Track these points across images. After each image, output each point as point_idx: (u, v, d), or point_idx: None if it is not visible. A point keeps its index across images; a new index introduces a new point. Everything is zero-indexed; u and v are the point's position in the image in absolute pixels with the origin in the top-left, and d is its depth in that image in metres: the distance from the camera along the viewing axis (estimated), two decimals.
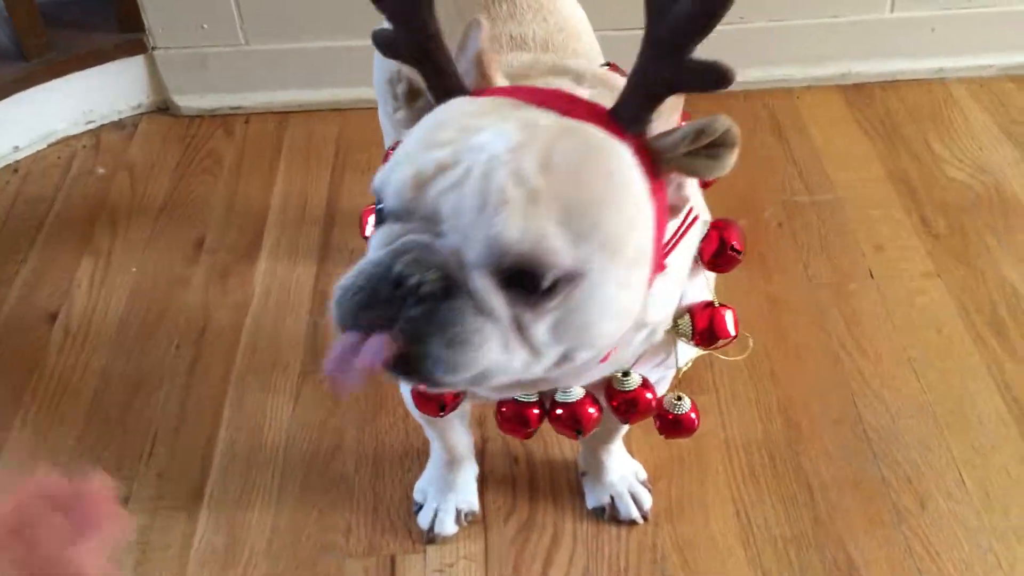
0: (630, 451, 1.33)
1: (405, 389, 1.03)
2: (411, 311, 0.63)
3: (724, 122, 0.65)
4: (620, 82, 0.77)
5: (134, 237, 1.73)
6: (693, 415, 0.95)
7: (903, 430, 1.36)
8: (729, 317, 0.89)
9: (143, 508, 1.30)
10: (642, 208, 0.68)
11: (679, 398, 0.95)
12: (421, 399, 0.95)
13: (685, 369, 0.95)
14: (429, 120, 0.71)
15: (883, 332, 1.50)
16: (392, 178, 0.67)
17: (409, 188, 0.65)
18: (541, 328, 0.65)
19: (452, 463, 1.23)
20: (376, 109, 1.40)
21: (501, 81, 0.76)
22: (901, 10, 1.96)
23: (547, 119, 0.68)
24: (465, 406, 1.01)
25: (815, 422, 1.38)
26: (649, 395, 0.90)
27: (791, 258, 1.64)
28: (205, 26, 1.90)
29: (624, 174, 0.67)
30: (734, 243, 0.86)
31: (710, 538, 1.26)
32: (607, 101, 0.71)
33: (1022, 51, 2.01)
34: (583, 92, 0.75)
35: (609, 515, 1.27)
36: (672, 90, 0.66)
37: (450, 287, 0.63)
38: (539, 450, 1.36)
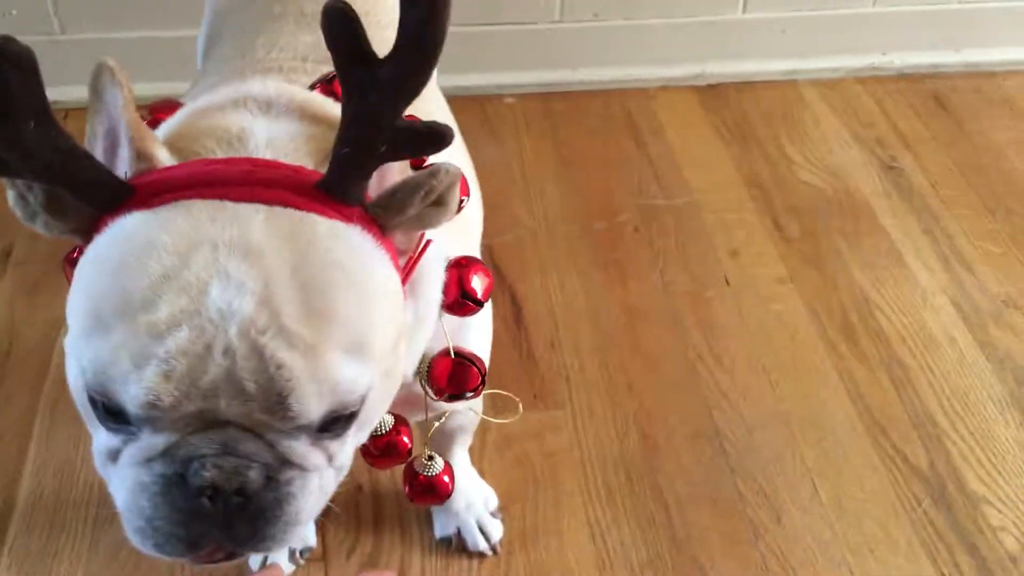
0: (481, 473, 1.25)
1: None
2: (237, 519, 0.58)
3: (448, 174, 0.59)
4: (325, 109, 0.70)
5: None
6: (446, 478, 0.86)
7: (759, 442, 1.34)
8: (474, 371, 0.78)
9: None
10: (393, 289, 0.63)
11: (430, 458, 0.85)
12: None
13: (438, 425, 0.88)
14: (118, 270, 0.56)
15: (739, 340, 1.48)
16: (130, 386, 0.53)
17: (163, 394, 0.53)
18: (348, 449, 0.63)
19: None
20: None
21: (162, 155, 0.62)
22: (753, 11, 1.95)
23: (260, 230, 0.57)
24: None
25: (672, 436, 1.34)
26: (406, 439, 0.82)
27: (647, 264, 1.60)
28: (14, 12, 1.72)
29: (370, 269, 0.61)
30: (468, 288, 0.75)
31: (565, 566, 1.19)
32: (300, 146, 0.64)
33: (869, 54, 2.03)
34: (271, 129, 0.66)
35: (457, 546, 1.19)
36: (385, 160, 0.59)
37: (269, 472, 0.58)
38: (385, 476, 1.27)
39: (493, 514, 1.21)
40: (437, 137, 0.57)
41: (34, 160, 0.54)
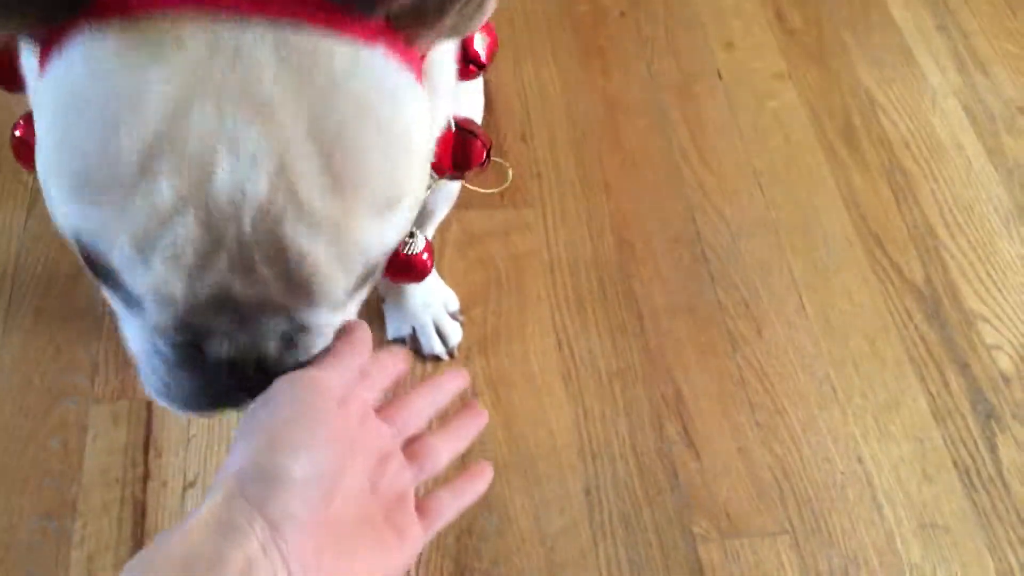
0: (440, 274, 1.14)
1: None
2: (257, 382, 0.51)
3: None
4: None
5: None
6: (426, 255, 0.76)
7: (744, 251, 1.23)
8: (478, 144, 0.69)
9: None
10: (424, 121, 0.50)
11: (411, 235, 0.75)
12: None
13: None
14: (101, 119, 0.43)
15: (728, 140, 1.34)
16: (135, 273, 0.45)
17: (173, 283, 0.45)
18: (366, 291, 0.54)
19: None
20: None
21: None
22: None
23: (270, 70, 0.43)
24: None
25: (650, 241, 1.23)
26: (425, 256, 0.75)
27: (633, 53, 1.44)
28: None
29: (400, 106, 0.47)
30: (471, 50, 0.64)
31: (527, 373, 1.10)
32: None
33: None
34: None
35: (410, 348, 1.09)
36: None
37: (287, 340, 0.51)
38: None
39: (452, 316, 1.11)
40: None
41: None
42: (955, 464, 1.08)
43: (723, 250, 1.23)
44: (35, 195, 1.16)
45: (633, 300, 1.17)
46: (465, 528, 1.00)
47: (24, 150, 0.59)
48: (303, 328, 0.50)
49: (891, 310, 1.19)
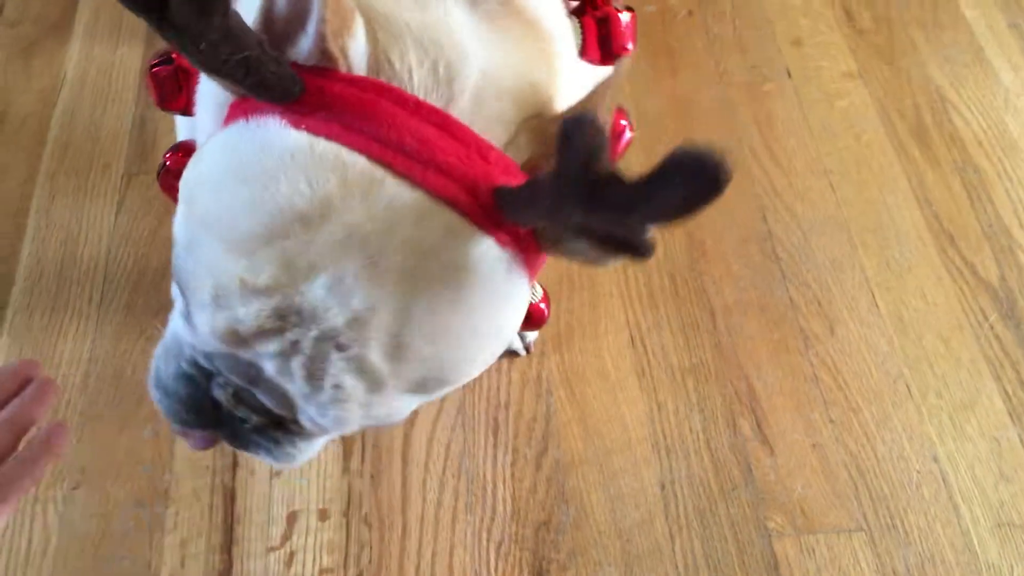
0: None
1: None
2: (234, 430, 0.57)
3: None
4: (538, 13, 0.56)
5: None
6: (543, 305, 0.79)
7: (815, 248, 1.23)
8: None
9: None
10: (513, 324, 0.54)
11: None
12: None
13: None
14: (246, 189, 0.47)
15: (798, 138, 1.34)
16: (202, 316, 0.49)
17: (223, 341, 0.50)
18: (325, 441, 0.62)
19: None
20: None
21: (355, 55, 0.48)
22: None
23: (402, 242, 0.47)
24: None
25: (721, 240, 1.24)
26: (543, 306, 0.78)
27: (701, 52, 1.44)
28: None
29: (497, 313, 0.52)
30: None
31: (601, 369, 1.12)
32: (505, 108, 0.52)
33: None
34: (487, 62, 0.52)
35: None
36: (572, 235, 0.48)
37: (276, 423, 0.56)
38: None
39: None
40: (637, 249, 0.44)
41: (226, 50, 0.43)
42: None
43: (795, 248, 1.23)
44: (123, 196, 1.20)
45: (705, 297, 1.18)
46: (543, 521, 1.01)
47: (168, 177, 0.64)
48: (294, 426, 0.55)
49: (965, 309, 1.18)
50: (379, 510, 1.01)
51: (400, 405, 0.52)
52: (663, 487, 1.04)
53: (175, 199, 0.66)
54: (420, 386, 0.51)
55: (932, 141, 1.34)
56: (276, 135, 0.47)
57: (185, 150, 0.66)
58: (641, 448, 1.07)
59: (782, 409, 1.10)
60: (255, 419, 0.55)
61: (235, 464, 1.02)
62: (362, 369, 0.48)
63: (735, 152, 1.32)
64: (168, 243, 1.15)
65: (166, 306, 1.11)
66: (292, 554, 0.98)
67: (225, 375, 0.53)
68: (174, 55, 0.62)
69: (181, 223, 0.51)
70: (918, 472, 1.07)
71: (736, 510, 1.03)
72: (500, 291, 0.50)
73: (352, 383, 0.48)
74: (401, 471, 1.03)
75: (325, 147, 0.47)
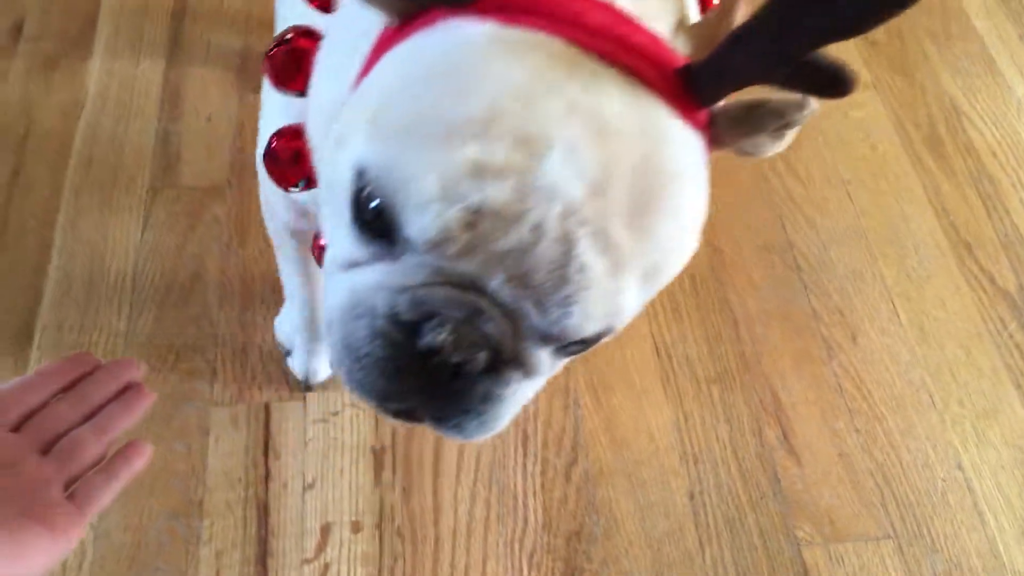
0: None
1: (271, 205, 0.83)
2: (439, 394, 0.51)
3: (813, 113, 0.50)
4: None
5: None
6: None
7: (835, 258, 1.24)
8: None
9: None
10: (703, 215, 0.53)
11: None
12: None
13: None
14: (455, 82, 0.47)
15: (815, 149, 1.36)
16: (425, 214, 0.46)
17: (456, 241, 0.46)
18: (563, 362, 0.55)
19: (318, 310, 1.04)
20: None
21: None
22: None
23: (618, 107, 0.47)
24: None
25: (740, 248, 1.25)
26: None
27: None
28: None
29: (700, 191, 0.51)
30: None
31: (627, 378, 1.13)
32: (664, 4, 0.53)
33: None
34: None
35: None
36: (761, 83, 0.48)
37: (496, 361, 0.50)
38: None
39: None
40: (841, 84, 0.45)
41: None
42: None
43: (815, 258, 1.24)
44: (149, 210, 1.21)
45: (728, 307, 1.19)
46: (574, 531, 1.02)
47: (274, 162, 0.63)
48: (517, 358, 0.51)
49: (984, 318, 1.20)
50: (411, 522, 1.02)
51: (630, 299, 0.49)
52: (692, 497, 1.05)
53: (280, 181, 0.66)
54: (649, 274, 0.49)
55: (947, 151, 1.36)
56: (466, 30, 0.48)
57: (291, 133, 0.65)
58: (668, 458, 1.08)
59: (807, 418, 1.11)
60: (481, 357, 0.49)
61: (267, 476, 1.03)
62: (607, 245, 0.46)
63: (752, 163, 1.33)
64: (195, 258, 1.16)
65: (193, 319, 1.12)
66: (327, 566, 0.98)
67: (442, 312, 0.48)
68: (289, 36, 0.62)
69: (366, 147, 0.48)
70: (943, 480, 1.08)
71: (765, 519, 1.04)
72: (700, 176, 0.51)
73: (597, 262, 0.46)
74: (432, 483, 1.04)
75: (520, 33, 0.47)
